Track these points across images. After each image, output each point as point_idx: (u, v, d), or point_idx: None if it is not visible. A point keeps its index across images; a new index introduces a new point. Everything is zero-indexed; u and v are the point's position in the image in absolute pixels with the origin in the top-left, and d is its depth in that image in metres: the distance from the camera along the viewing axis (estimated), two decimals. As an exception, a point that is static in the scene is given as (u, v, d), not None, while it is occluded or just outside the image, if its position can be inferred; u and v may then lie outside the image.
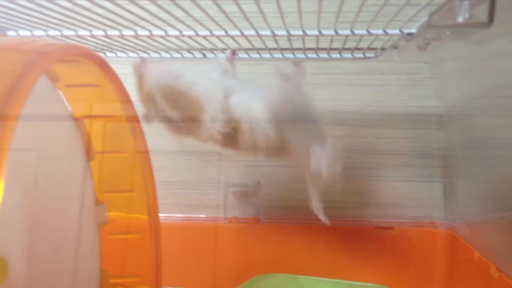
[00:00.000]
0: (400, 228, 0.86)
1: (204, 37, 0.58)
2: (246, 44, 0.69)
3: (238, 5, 0.43)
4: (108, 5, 0.47)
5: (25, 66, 0.38)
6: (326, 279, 0.77)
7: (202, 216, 0.90)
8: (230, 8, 0.49)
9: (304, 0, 0.46)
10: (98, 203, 0.64)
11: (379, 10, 0.45)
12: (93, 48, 0.70)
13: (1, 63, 0.39)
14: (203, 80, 0.63)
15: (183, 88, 0.61)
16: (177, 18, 0.53)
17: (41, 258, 0.54)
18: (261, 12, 0.48)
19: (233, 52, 0.69)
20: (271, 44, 0.69)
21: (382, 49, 0.69)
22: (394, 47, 0.62)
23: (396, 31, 0.56)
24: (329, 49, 0.71)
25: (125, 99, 0.57)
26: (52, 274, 0.56)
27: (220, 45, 0.70)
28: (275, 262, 0.87)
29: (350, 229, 0.87)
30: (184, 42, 0.67)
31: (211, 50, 0.75)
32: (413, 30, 0.54)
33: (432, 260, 0.85)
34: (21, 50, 0.41)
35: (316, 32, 0.57)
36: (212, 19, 0.51)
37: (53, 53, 0.41)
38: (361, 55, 0.73)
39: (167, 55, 0.77)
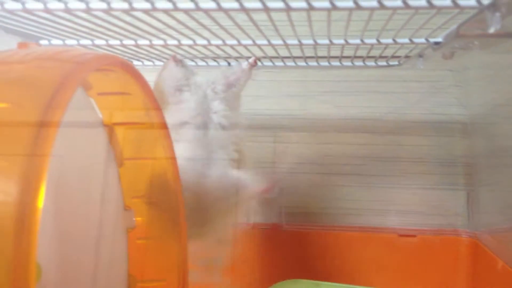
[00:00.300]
0: (422, 236, 0.86)
1: (232, 46, 0.59)
2: (271, 52, 0.70)
3: (269, 15, 0.44)
4: (140, 14, 0.49)
5: (65, 76, 0.39)
6: (347, 285, 0.78)
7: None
8: (258, 16, 0.50)
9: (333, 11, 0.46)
10: (126, 208, 0.65)
11: (408, 20, 0.45)
12: (120, 56, 0.72)
13: (40, 73, 0.41)
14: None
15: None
16: (204, 27, 0.54)
17: (71, 263, 0.55)
18: (290, 21, 0.48)
19: (256, 61, 0.71)
20: (296, 52, 0.70)
21: (407, 57, 0.69)
22: (420, 55, 0.62)
23: (422, 40, 0.56)
24: (353, 57, 0.72)
25: (155, 106, 0.58)
26: (82, 278, 0.57)
27: (245, 53, 0.71)
28: (297, 268, 0.87)
29: (372, 237, 0.87)
30: (210, 50, 0.68)
31: (236, 58, 0.76)
32: (440, 39, 0.54)
33: (454, 269, 0.84)
34: (58, 60, 0.42)
35: (342, 42, 0.58)
36: (240, 28, 0.52)
37: (91, 62, 0.42)
38: (384, 63, 0.73)
39: (193, 63, 0.78)
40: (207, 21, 0.51)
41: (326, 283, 0.77)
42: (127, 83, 0.55)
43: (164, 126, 0.60)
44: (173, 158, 0.62)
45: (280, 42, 0.58)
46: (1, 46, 0.57)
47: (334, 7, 0.39)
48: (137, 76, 0.54)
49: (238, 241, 0.74)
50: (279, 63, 0.76)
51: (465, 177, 0.88)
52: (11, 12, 0.44)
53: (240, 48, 0.67)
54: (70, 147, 0.54)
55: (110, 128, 0.61)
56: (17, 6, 0.42)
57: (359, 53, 0.69)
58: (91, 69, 0.42)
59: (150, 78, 0.63)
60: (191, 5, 0.40)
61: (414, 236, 0.86)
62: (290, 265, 0.87)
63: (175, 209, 0.64)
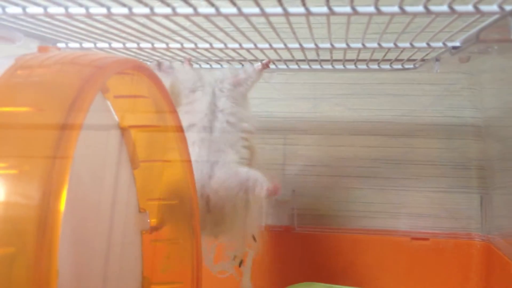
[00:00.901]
0: (435, 239, 0.85)
1: (248, 49, 0.59)
2: (286, 55, 0.70)
3: (288, 20, 0.44)
4: (159, 19, 0.49)
5: (86, 80, 0.39)
6: (361, 289, 0.78)
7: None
8: (274, 19, 0.50)
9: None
10: (141, 210, 0.65)
11: (427, 25, 0.45)
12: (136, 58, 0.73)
13: (61, 77, 0.41)
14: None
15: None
16: (221, 29, 0.54)
17: (86, 265, 0.56)
18: (309, 25, 0.48)
19: (269, 63, 0.71)
20: (311, 55, 0.70)
21: (422, 60, 0.69)
22: (437, 59, 0.62)
23: (440, 44, 0.56)
24: (369, 61, 0.72)
25: (171, 109, 0.58)
26: (96, 280, 0.58)
27: (261, 56, 0.71)
28: (309, 271, 0.87)
29: (384, 240, 0.87)
30: (225, 53, 0.68)
31: (251, 61, 0.76)
32: (458, 44, 0.54)
33: (467, 272, 0.84)
34: (78, 64, 0.42)
35: (359, 45, 0.58)
36: (258, 31, 0.52)
37: (111, 67, 0.42)
38: (400, 66, 0.73)
39: (207, 66, 0.78)
40: (223, 23, 0.51)
41: (338, 286, 0.76)
42: (144, 86, 0.56)
43: (180, 129, 0.60)
44: (188, 161, 0.62)
45: (297, 45, 0.58)
46: (20, 49, 0.58)
47: (355, 12, 0.39)
48: (154, 80, 0.54)
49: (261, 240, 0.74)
50: (293, 66, 0.76)
51: (478, 180, 0.87)
52: (33, 16, 0.44)
53: (255, 51, 0.67)
54: (85, 149, 0.54)
55: (125, 130, 0.61)
56: (39, 10, 0.42)
57: (374, 56, 0.69)
58: (111, 73, 0.43)
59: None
60: (211, 11, 0.40)
61: (426, 239, 0.85)
62: (302, 268, 0.87)
63: (190, 212, 0.65)
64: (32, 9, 0.42)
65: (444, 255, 0.85)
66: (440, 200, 0.89)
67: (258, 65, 0.71)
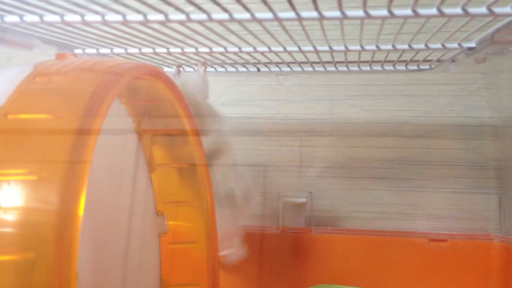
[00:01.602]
0: (453, 240, 0.85)
1: (262, 53, 0.59)
2: (300, 58, 0.70)
3: (301, 24, 0.44)
4: (174, 24, 0.49)
5: (103, 86, 0.40)
6: (378, 291, 0.77)
7: (252, 225, 0.91)
8: (288, 22, 0.50)
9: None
10: (158, 213, 0.66)
11: (441, 27, 0.45)
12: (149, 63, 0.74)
13: (78, 84, 0.42)
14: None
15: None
16: (233, 33, 0.55)
17: (104, 267, 0.56)
18: (322, 29, 0.48)
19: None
20: (326, 57, 0.70)
21: (438, 61, 0.69)
22: (453, 60, 0.62)
23: (455, 45, 0.55)
24: (384, 62, 0.71)
25: (187, 113, 0.59)
26: (115, 283, 0.58)
27: (275, 59, 0.71)
28: (326, 273, 0.87)
29: (401, 241, 0.86)
30: (240, 57, 0.69)
31: (265, 64, 0.76)
32: (473, 44, 0.53)
33: (486, 274, 0.83)
34: (95, 71, 0.43)
35: (373, 48, 0.57)
36: (272, 36, 0.52)
37: (127, 73, 0.43)
38: (415, 67, 0.73)
39: (222, 69, 0.79)
40: (236, 27, 0.51)
41: (356, 288, 0.76)
42: (159, 90, 0.56)
43: (195, 133, 0.61)
44: (204, 165, 0.63)
45: (311, 48, 0.58)
46: (38, 55, 0.59)
47: (368, 16, 0.39)
48: (170, 85, 0.55)
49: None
50: (308, 68, 0.76)
51: (496, 181, 0.86)
52: (50, 24, 0.45)
53: (270, 54, 0.67)
54: (103, 154, 0.55)
55: (142, 134, 0.62)
56: (56, 18, 0.43)
57: (389, 57, 0.69)
58: (128, 79, 0.43)
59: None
60: (225, 16, 0.41)
61: (445, 240, 0.85)
62: (319, 270, 0.87)
63: (206, 215, 0.65)
64: (49, 18, 0.43)
65: (462, 256, 0.84)
66: (458, 201, 0.88)
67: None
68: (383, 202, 0.90)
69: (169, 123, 0.60)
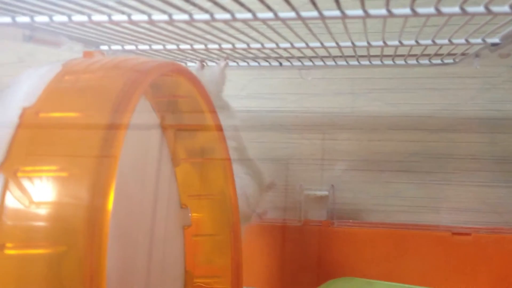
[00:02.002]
0: (477, 234, 0.84)
1: (285, 49, 0.60)
2: (322, 52, 0.70)
3: (324, 23, 0.45)
4: (203, 26, 0.50)
5: (129, 85, 0.41)
6: (400, 284, 0.77)
7: (275, 218, 0.92)
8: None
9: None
10: (182, 206, 0.67)
11: (464, 24, 0.45)
12: (171, 58, 0.75)
13: (105, 82, 0.43)
14: None
15: None
16: (256, 30, 0.55)
17: (130, 260, 0.58)
18: (345, 27, 0.49)
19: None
20: (348, 51, 0.70)
21: (463, 54, 0.68)
22: (477, 55, 0.61)
23: (479, 41, 0.55)
24: (407, 56, 0.71)
25: (211, 109, 0.60)
26: (141, 274, 0.60)
27: (297, 53, 0.71)
28: (349, 266, 0.87)
29: (425, 235, 0.86)
30: (262, 52, 0.69)
31: (287, 58, 0.76)
32: (497, 40, 0.53)
33: (510, 268, 0.83)
34: (122, 69, 0.44)
35: (396, 43, 0.57)
36: (295, 32, 0.53)
37: (153, 71, 0.44)
38: (439, 61, 0.73)
39: (244, 63, 0.79)
40: (257, 23, 0.52)
41: (379, 281, 0.77)
42: (184, 87, 0.57)
43: (219, 128, 0.62)
44: (227, 159, 0.64)
45: (333, 44, 0.58)
46: (66, 52, 0.60)
47: (391, 14, 0.39)
48: (194, 81, 0.56)
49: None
50: (330, 62, 0.76)
51: (521, 175, 0.86)
52: (79, 24, 0.46)
53: (292, 49, 0.67)
54: (128, 148, 0.56)
55: (166, 129, 0.63)
56: (84, 18, 0.44)
57: (413, 51, 0.68)
58: (153, 77, 0.44)
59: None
60: (248, 16, 0.41)
61: (468, 234, 0.84)
62: (342, 263, 0.87)
63: (229, 208, 0.66)
64: (77, 17, 0.44)
65: (486, 250, 0.84)
66: (482, 194, 0.87)
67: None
68: (406, 195, 0.90)
69: (193, 118, 0.61)
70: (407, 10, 0.39)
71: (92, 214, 0.36)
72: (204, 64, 0.76)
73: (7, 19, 0.45)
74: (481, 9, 0.37)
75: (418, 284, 0.78)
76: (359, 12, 0.40)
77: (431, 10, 0.38)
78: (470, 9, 0.37)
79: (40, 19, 0.45)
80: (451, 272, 0.84)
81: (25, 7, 0.43)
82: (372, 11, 0.40)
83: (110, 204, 0.37)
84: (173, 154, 0.65)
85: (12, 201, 0.36)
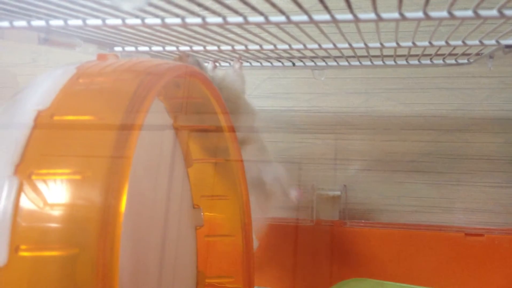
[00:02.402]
0: (490, 235, 0.84)
1: (298, 50, 0.60)
2: (335, 52, 0.70)
3: (337, 26, 0.45)
4: (216, 29, 0.50)
5: (143, 87, 0.41)
6: (412, 286, 0.77)
7: (287, 218, 0.92)
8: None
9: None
10: (194, 206, 0.68)
11: (478, 26, 0.44)
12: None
13: (119, 85, 0.43)
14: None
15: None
16: (269, 33, 0.55)
17: (143, 260, 0.58)
18: (358, 29, 0.49)
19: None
20: (361, 51, 0.69)
21: (477, 55, 0.68)
22: (490, 56, 0.61)
23: (493, 42, 0.55)
24: (421, 56, 0.71)
25: (223, 110, 0.60)
26: (153, 275, 0.60)
27: (309, 53, 0.71)
28: (360, 267, 0.87)
29: (438, 235, 0.86)
30: (275, 53, 0.69)
31: (300, 59, 0.76)
32: (511, 42, 0.53)
33: (524, 270, 0.82)
34: (135, 72, 0.45)
35: (410, 44, 0.57)
36: (307, 35, 0.53)
37: (166, 74, 0.44)
38: (453, 61, 0.72)
39: (257, 64, 0.79)
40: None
41: (390, 283, 0.77)
42: (196, 88, 0.57)
43: (231, 129, 0.62)
44: (240, 161, 0.64)
45: (346, 45, 0.58)
46: (80, 54, 0.61)
47: (403, 18, 0.39)
48: (206, 83, 0.56)
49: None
50: (343, 62, 0.76)
51: (535, 175, 0.85)
52: (94, 27, 0.47)
53: (305, 50, 0.67)
54: (141, 149, 0.56)
55: (179, 130, 0.64)
56: (98, 22, 0.44)
57: (427, 51, 0.68)
58: (167, 79, 0.45)
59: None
60: (261, 19, 0.41)
61: (481, 235, 0.84)
62: (353, 263, 0.87)
63: (242, 209, 0.66)
64: (91, 21, 0.45)
65: (499, 251, 0.83)
66: (495, 195, 0.87)
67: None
68: (419, 196, 0.90)
69: (206, 119, 0.62)
70: (419, 14, 0.39)
71: (105, 215, 0.37)
72: (217, 64, 0.76)
73: (23, 23, 0.45)
74: (494, 12, 0.37)
75: (430, 285, 0.78)
76: (372, 15, 0.39)
77: (444, 13, 0.38)
78: (483, 12, 0.37)
79: (55, 23, 0.45)
80: (464, 273, 0.84)
81: (41, 11, 0.44)
82: (384, 15, 0.40)
83: (123, 206, 0.38)
84: (186, 154, 0.66)
85: (26, 203, 0.37)
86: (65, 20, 0.45)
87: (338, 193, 0.91)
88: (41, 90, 0.42)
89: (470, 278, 0.83)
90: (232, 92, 0.65)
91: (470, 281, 0.83)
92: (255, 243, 0.74)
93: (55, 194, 0.37)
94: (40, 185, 0.37)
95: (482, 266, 0.83)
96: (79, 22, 0.45)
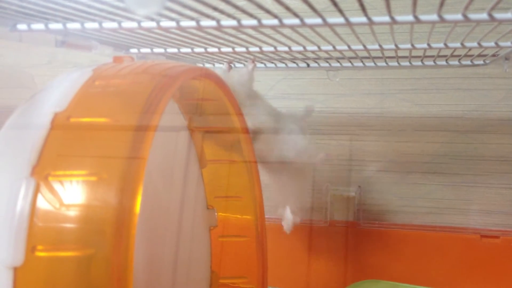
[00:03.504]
0: (506, 237, 0.83)
1: (313, 51, 0.60)
2: (350, 53, 0.70)
3: (352, 28, 0.45)
4: (231, 31, 0.50)
5: (159, 89, 0.42)
6: None
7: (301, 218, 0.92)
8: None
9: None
10: (208, 207, 0.68)
11: (493, 28, 0.44)
12: (199, 60, 0.76)
13: (135, 87, 0.44)
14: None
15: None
16: (283, 35, 0.55)
17: (157, 260, 0.59)
18: (372, 31, 0.49)
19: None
20: (375, 52, 0.69)
21: (493, 56, 0.67)
22: (506, 58, 0.60)
23: (508, 44, 0.54)
24: (436, 57, 0.70)
25: (237, 111, 0.60)
26: (168, 275, 0.61)
27: (324, 54, 0.71)
28: (374, 268, 0.87)
29: (453, 237, 0.85)
30: (290, 54, 0.70)
31: (314, 60, 0.76)
32: (528, 43, 0.52)
33: (540, 272, 0.82)
34: (151, 74, 0.45)
35: (425, 46, 0.57)
36: (322, 37, 0.53)
37: (181, 76, 0.45)
38: (469, 62, 0.72)
39: (272, 65, 0.79)
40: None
41: (405, 285, 0.76)
42: (210, 90, 0.58)
43: (245, 130, 0.62)
44: (254, 162, 0.64)
45: (360, 47, 0.58)
46: (96, 56, 0.61)
47: (418, 21, 0.39)
48: (220, 84, 0.56)
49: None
50: (358, 63, 0.76)
51: (552, 177, 0.84)
52: (111, 30, 0.47)
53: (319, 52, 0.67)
54: (156, 150, 0.57)
55: (193, 131, 0.64)
56: (114, 25, 0.45)
57: (442, 52, 0.68)
58: (182, 82, 0.45)
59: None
60: (275, 22, 0.41)
61: (497, 237, 0.83)
62: (367, 264, 0.87)
63: (256, 209, 0.67)
64: (107, 24, 0.45)
65: (516, 253, 0.83)
66: (511, 197, 0.86)
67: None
68: (434, 197, 0.90)
69: (220, 120, 0.62)
70: (434, 17, 0.39)
71: (120, 216, 0.37)
72: (232, 65, 0.77)
73: (40, 26, 0.46)
74: (509, 15, 0.36)
75: (445, 287, 0.77)
76: (386, 18, 0.39)
77: (459, 16, 0.38)
78: (499, 15, 0.37)
79: (73, 26, 0.46)
80: (479, 275, 0.83)
81: (58, 15, 0.44)
82: (398, 18, 0.39)
83: (137, 207, 0.38)
84: (200, 155, 0.66)
85: (43, 203, 0.37)
86: (82, 23, 0.45)
87: (352, 194, 0.91)
88: (58, 92, 0.43)
89: (486, 280, 0.83)
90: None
91: (485, 284, 0.83)
92: (297, 219, 0.74)
93: (71, 195, 0.37)
94: (57, 186, 0.38)
95: (497, 268, 0.83)
96: (95, 25, 0.45)
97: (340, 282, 0.86)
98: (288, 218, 0.75)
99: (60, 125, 0.41)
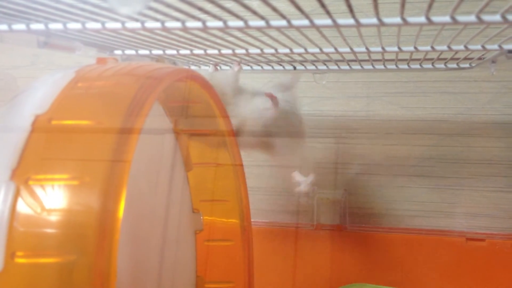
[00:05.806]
0: (491, 240, 0.83)
1: (299, 54, 0.59)
2: (336, 56, 0.69)
3: (339, 31, 0.44)
4: (217, 33, 0.50)
5: (143, 91, 0.41)
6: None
7: (286, 222, 0.91)
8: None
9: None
10: (194, 211, 0.67)
11: (480, 31, 0.44)
12: (184, 62, 0.75)
13: (118, 89, 0.43)
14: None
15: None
16: (270, 37, 0.55)
17: (141, 264, 0.58)
18: (359, 34, 0.48)
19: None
20: (362, 55, 0.69)
21: (479, 59, 0.67)
22: (493, 61, 0.60)
23: (495, 47, 0.54)
24: (422, 60, 0.70)
25: (223, 114, 0.60)
26: (152, 279, 0.60)
27: (311, 57, 0.71)
28: (361, 271, 0.87)
29: (439, 240, 0.85)
30: (276, 57, 0.69)
31: (301, 62, 0.76)
32: (514, 46, 0.52)
33: (526, 275, 0.82)
34: (135, 76, 0.44)
35: (412, 49, 0.57)
36: (309, 39, 0.52)
37: (166, 77, 0.44)
38: (455, 66, 0.72)
39: (258, 67, 0.79)
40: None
41: (390, 288, 0.76)
42: (196, 92, 0.57)
43: (231, 133, 0.62)
44: (240, 165, 0.64)
45: (347, 50, 0.58)
46: (80, 57, 0.60)
47: (405, 23, 0.39)
48: (206, 87, 0.56)
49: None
50: (344, 66, 0.75)
51: (537, 180, 0.85)
52: (94, 30, 0.46)
53: (306, 54, 0.67)
54: (141, 153, 0.56)
55: (179, 134, 0.63)
56: (97, 26, 0.44)
57: (428, 55, 0.68)
58: (167, 83, 0.44)
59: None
60: (262, 23, 0.41)
61: (483, 240, 0.84)
62: (354, 268, 0.87)
63: (242, 213, 0.66)
64: (91, 25, 0.44)
65: (501, 256, 0.83)
66: (497, 199, 0.86)
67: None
68: (420, 200, 0.90)
69: (206, 123, 0.61)
70: (422, 19, 0.38)
71: (103, 221, 0.36)
72: (218, 68, 0.76)
73: (21, 27, 0.45)
74: (497, 18, 0.36)
75: (431, 290, 0.77)
76: (373, 20, 0.39)
77: (447, 18, 0.38)
78: (487, 17, 0.37)
79: (55, 26, 0.45)
80: (465, 278, 0.83)
81: (40, 15, 0.43)
82: (386, 20, 0.39)
83: (121, 211, 0.37)
84: (186, 158, 0.65)
85: (23, 208, 0.36)
86: (64, 24, 0.44)
87: (339, 197, 0.90)
88: (40, 94, 0.42)
89: (471, 283, 0.83)
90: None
91: (471, 286, 0.83)
92: (310, 178, 0.73)
93: (52, 199, 0.37)
94: (38, 190, 0.37)
95: (483, 271, 0.83)
96: (78, 26, 0.44)
97: (327, 286, 0.85)
98: (302, 180, 0.73)
99: (41, 128, 0.40)
